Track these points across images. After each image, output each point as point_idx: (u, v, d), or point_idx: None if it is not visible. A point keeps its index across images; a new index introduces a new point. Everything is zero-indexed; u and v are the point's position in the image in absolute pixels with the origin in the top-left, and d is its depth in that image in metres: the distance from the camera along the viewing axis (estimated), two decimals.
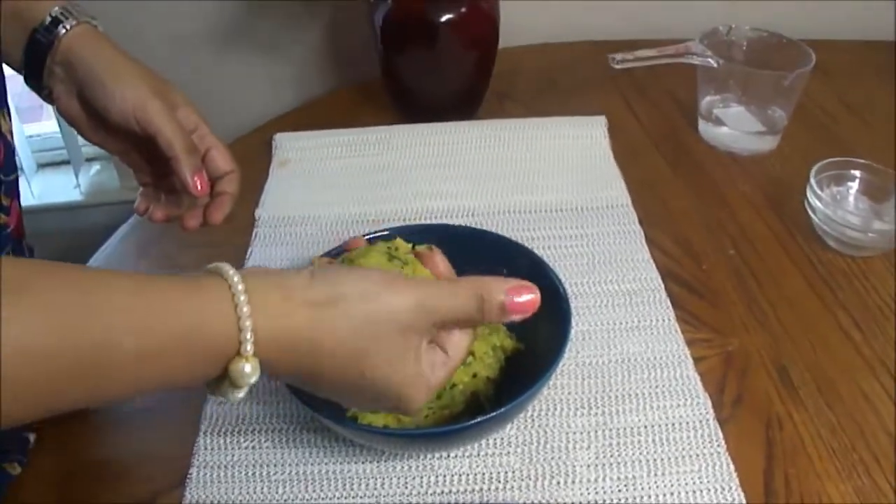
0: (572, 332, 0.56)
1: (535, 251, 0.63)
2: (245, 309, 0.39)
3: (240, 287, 0.39)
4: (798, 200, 0.79)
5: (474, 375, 0.57)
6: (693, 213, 0.82)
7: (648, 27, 1.13)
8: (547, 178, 0.86)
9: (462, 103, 0.98)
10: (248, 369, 0.40)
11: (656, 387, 0.63)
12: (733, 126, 0.91)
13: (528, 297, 0.48)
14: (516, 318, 0.48)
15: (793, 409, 0.61)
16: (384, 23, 0.91)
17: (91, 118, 0.61)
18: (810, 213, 0.77)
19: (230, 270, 0.40)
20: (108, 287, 0.37)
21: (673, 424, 0.60)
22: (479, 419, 0.51)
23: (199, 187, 0.59)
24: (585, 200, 0.83)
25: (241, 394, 0.41)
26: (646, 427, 0.60)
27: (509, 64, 1.05)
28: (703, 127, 0.94)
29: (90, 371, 0.36)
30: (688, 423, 0.60)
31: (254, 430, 0.61)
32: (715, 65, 0.88)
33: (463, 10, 0.89)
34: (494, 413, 0.51)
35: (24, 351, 0.34)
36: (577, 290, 0.71)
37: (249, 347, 0.39)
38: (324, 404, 0.50)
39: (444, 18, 0.88)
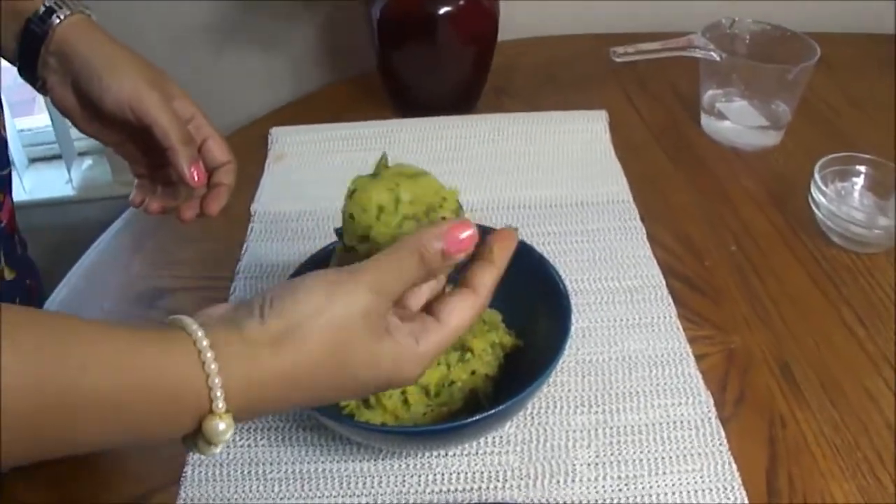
0: (572, 328, 0.56)
1: (535, 247, 0.63)
2: (213, 366, 0.39)
3: (204, 343, 0.39)
4: (802, 196, 0.79)
5: (473, 373, 0.57)
6: (695, 208, 0.82)
7: (650, 20, 1.13)
8: (547, 173, 0.86)
9: (459, 99, 0.98)
10: (222, 427, 0.39)
11: (657, 385, 0.63)
12: (736, 120, 0.91)
13: (465, 233, 0.46)
14: (460, 257, 0.46)
15: (796, 408, 0.62)
16: (381, 17, 0.91)
17: (86, 109, 0.61)
18: (814, 208, 0.77)
19: (193, 325, 0.40)
20: (78, 333, 0.37)
21: (674, 423, 0.60)
22: (477, 417, 0.51)
23: (195, 178, 0.59)
24: (586, 196, 0.83)
25: (218, 450, 0.41)
26: (647, 425, 0.60)
27: (507, 58, 1.05)
28: (706, 121, 0.94)
29: (63, 415, 0.36)
30: (689, 421, 0.60)
31: (249, 428, 0.61)
32: (718, 58, 0.88)
33: (461, 3, 0.89)
34: (493, 410, 0.51)
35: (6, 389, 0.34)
36: (577, 287, 0.71)
37: (221, 405, 0.39)
38: None
39: (442, 12, 0.88)
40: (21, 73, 0.61)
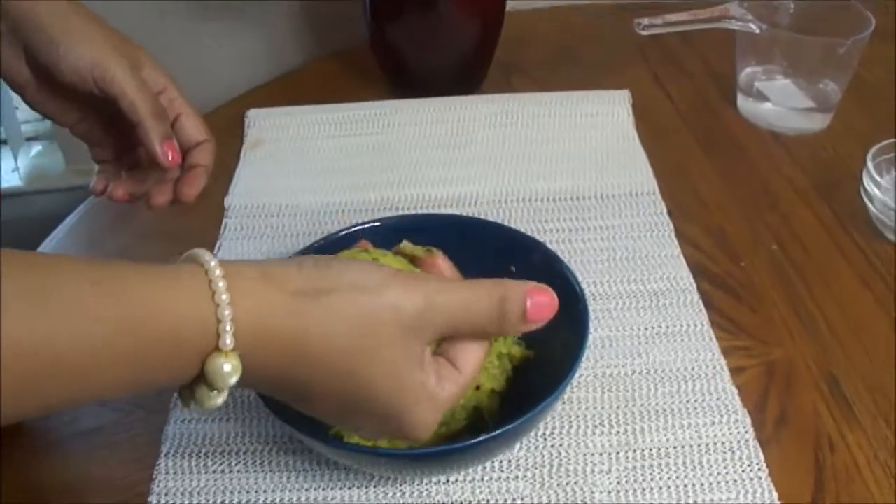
0: (590, 338, 0.56)
1: (549, 245, 0.63)
2: (224, 297, 0.39)
3: (217, 272, 0.40)
4: (852, 187, 0.79)
5: (477, 388, 0.57)
6: (730, 201, 0.83)
7: None
8: (561, 161, 0.87)
9: (462, 77, 0.99)
10: (228, 368, 0.40)
11: (687, 402, 0.63)
12: (778, 102, 0.92)
13: (548, 301, 0.48)
14: (532, 327, 0.48)
15: (846, 428, 0.62)
16: None
17: (42, 84, 0.61)
18: (866, 201, 0.77)
19: (206, 255, 0.40)
20: (71, 273, 0.37)
21: (706, 445, 0.60)
22: (482, 438, 0.51)
23: (169, 157, 0.59)
24: (606, 187, 0.83)
25: (220, 399, 0.41)
26: (675, 448, 0.60)
27: (517, 31, 1.05)
28: (743, 103, 0.94)
29: (59, 365, 0.36)
30: (724, 443, 0.60)
31: (223, 452, 0.61)
32: (757, 30, 0.89)
33: None
34: (500, 431, 0.51)
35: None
36: (595, 291, 0.72)
37: (229, 341, 0.39)
38: (304, 421, 0.50)
39: None
40: None
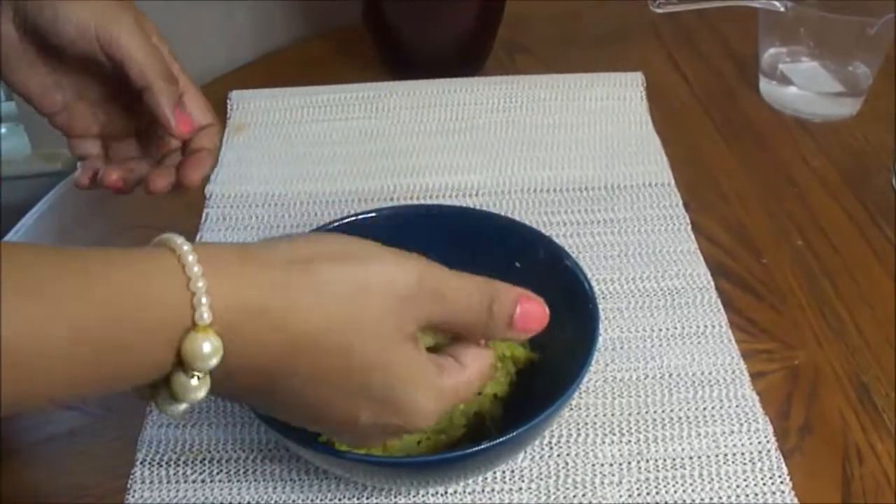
0: (600, 339, 0.57)
1: (555, 239, 0.63)
2: (196, 269, 0.39)
3: (186, 248, 0.39)
4: (884, 178, 0.80)
5: (478, 392, 0.57)
6: (751, 193, 0.83)
7: None
8: (569, 149, 0.87)
9: (464, 57, 0.99)
10: (208, 347, 0.39)
11: (704, 409, 0.63)
12: (804, 86, 0.92)
13: (536, 310, 0.49)
14: (519, 336, 0.49)
15: (875, 438, 0.62)
16: None
17: (28, 51, 0.58)
18: None
19: (177, 238, 0.40)
20: (29, 257, 0.37)
21: (725, 456, 0.60)
22: (483, 446, 0.51)
23: (180, 127, 0.58)
24: (617, 177, 0.83)
25: (202, 392, 0.40)
26: (691, 458, 0.60)
27: (522, 6, 1.05)
28: (766, 86, 0.95)
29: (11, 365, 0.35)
30: (743, 454, 0.60)
31: (204, 460, 0.61)
32: (782, 8, 0.89)
33: None
34: (503, 438, 0.51)
35: None
36: (606, 289, 0.72)
37: (206, 315, 0.38)
38: (291, 426, 0.50)
39: None
40: None
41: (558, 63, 1.00)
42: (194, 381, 0.40)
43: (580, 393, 0.64)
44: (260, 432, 0.62)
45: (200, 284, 0.39)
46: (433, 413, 0.47)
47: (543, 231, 0.65)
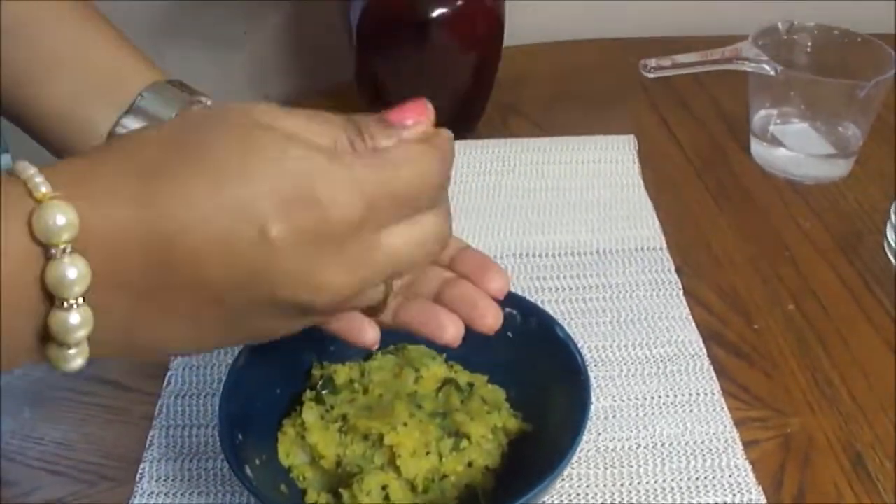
0: (592, 409, 0.57)
1: (547, 305, 0.63)
2: (31, 171, 0.37)
3: (31, 171, 0.37)
4: (876, 240, 0.80)
5: (470, 464, 0.57)
6: (743, 257, 0.83)
7: (688, 23, 1.15)
8: (562, 213, 0.88)
9: (456, 118, 0.99)
10: (62, 220, 0.36)
11: (697, 479, 0.63)
12: (794, 147, 0.93)
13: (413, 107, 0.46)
14: (402, 132, 0.45)
15: None
16: (362, 15, 0.92)
17: None
18: (891, 257, 0.78)
19: (23, 163, 0.38)
20: None
21: None
22: None
23: None
24: (609, 242, 0.84)
25: (78, 319, 0.37)
26: None
27: (515, 69, 1.06)
28: (757, 148, 0.95)
29: None
30: None
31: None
32: (772, 72, 0.89)
33: (459, 2, 0.90)
34: None
35: None
36: (597, 356, 0.72)
37: (44, 188, 0.36)
38: (282, 497, 0.50)
39: (436, 14, 0.89)
40: None
41: (551, 126, 1.01)
42: (72, 318, 0.37)
43: (572, 464, 0.63)
44: (251, 501, 0.62)
45: (31, 171, 0.37)
46: (355, 206, 0.40)
47: (534, 297, 0.65)
